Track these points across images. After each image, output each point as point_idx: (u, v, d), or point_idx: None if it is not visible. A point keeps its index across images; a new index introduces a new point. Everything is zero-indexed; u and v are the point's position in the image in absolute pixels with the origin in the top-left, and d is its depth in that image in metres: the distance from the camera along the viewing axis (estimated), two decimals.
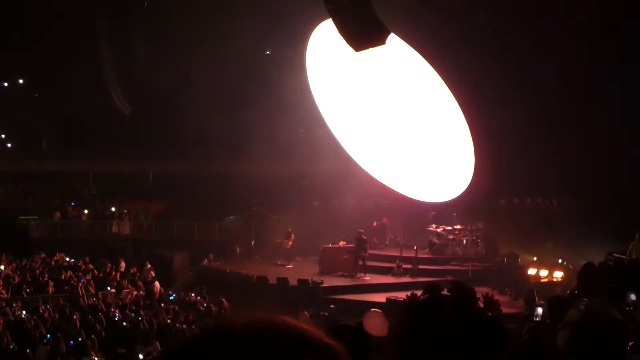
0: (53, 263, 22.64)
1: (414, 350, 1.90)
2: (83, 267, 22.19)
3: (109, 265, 22.73)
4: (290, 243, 23.81)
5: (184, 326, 14.76)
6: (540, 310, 14.35)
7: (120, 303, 17.65)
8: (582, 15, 17.19)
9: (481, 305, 2.15)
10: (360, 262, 21.00)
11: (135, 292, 19.86)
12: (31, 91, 29.63)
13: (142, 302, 18.00)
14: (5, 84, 30.65)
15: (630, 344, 3.47)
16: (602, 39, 17.47)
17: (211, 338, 1.08)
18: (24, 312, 15.44)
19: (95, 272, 21.80)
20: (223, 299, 17.77)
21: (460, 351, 1.89)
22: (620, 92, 18.24)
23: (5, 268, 21.20)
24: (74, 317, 14.53)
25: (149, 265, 22.97)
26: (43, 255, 23.35)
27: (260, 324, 1.08)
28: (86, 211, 29.36)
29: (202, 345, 1.07)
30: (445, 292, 2.11)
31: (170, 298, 18.95)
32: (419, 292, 2.05)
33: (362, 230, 21.53)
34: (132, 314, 15.54)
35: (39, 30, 24.93)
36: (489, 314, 2.11)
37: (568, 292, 10.99)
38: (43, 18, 24.53)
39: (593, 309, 5.78)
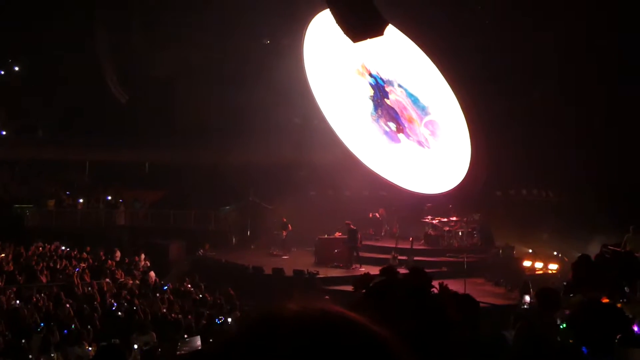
0: (48, 252, 22.59)
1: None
2: (78, 255, 22.16)
3: (102, 254, 22.66)
4: (284, 233, 23.82)
5: (180, 316, 14.75)
6: (527, 298, 14.47)
7: (116, 292, 17.62)
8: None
9: (436, 292, 2.24)
10: (354, 253, 21.05)
11: (130, 282, 19.83)
12: (27, 79, 29.46)
13: (137, 292, 17.97)
14: (2, 72, 30.51)
15: (618, 336, 3.50)
16: (602, 32, 17.44)
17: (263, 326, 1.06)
18: (17, 300, 15.42)
19: (91, 260, 21.76)
20: (230, 289, 17.72)
21: (409, 333, 1.93)
22: (618, 86, 18.22)
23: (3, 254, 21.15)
24: (68, 306, 14.51)
25: (144, 255, 22.96)
26: (40, 243, 23.29)
27: (312, 313, 1.08)
28: (81, 200, 29.29)
29: (259, 336, 1.04)
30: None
31: (164, 288, 18.93)
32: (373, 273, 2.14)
33: (349, 222, 21.54)
34: (127, 304, 15.52)
35: (35, 17, 24.76)
36: (442, 301, 2.20)
37: (565, 283, 11.04)
38: (40, 5, 24.36)
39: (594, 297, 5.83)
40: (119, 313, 14.74)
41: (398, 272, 2.18)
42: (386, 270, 2.16)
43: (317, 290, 18.02)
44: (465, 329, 3.47)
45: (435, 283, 2.30)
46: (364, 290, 2.12)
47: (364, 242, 22.13)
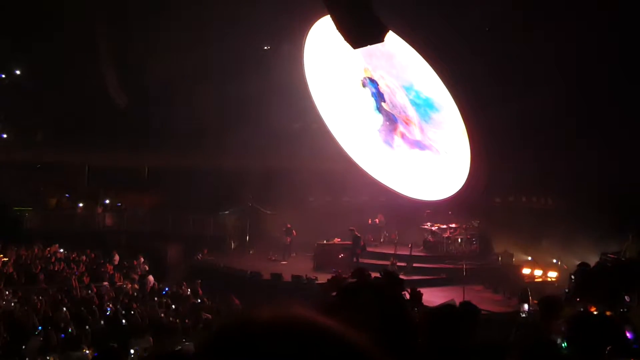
0: (47, 254, 22.57)
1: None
2: (77, 259, 22.14)
3: (100, 257, 22.64)
4: (289, 239, 23.81)
5: (177, 320, 14.72)
6: (526, 306, 14.44)
7: (114, 296, 17.59)
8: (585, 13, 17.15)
9: (407, 296, 2.29)
10: (355, 259, 21.05)
11: (129, 285, 19.81)
12: (27, 82, 29.46)
13: (135, 295, 17.95)
14: (2, 75, 30.50)
15: (607, 348, 3.50)
16: (603, 37, 17.44)
17: (234, 334, 1.07)
18: (13, 302, 15.39)
19: (89, 264, 21.74)
20: (232, 296, 17.67)
21: (374, 335, 1.99)
22: (621, 91, 18.21)
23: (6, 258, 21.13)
24: (65, 309, 14.47)
25: (143, 259, 22.94)
26: (38, 246, 23.28)
27: (284, 318, 1.10)
28: (81, 204, 29.28)
29: (227, 342, 1.07)
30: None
31: (164, 292, 18.89)
32: (346, 275, 2.20)
33: (353, 228, 21.61)
34: (125, 308, 15.49)
35: (35, 21, 24.78)
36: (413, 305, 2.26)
37: (567, 290, 11.00)
38: (40, 9, 24.38)
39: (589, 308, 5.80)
40: (117, 317, 14.70)
41: (369, 274, 2.22)
42: (357, 272, 2.20)
43: (315, 296, 17.99)
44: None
45: (408, 289, 2.34)
46: (334, 293, 2.15)
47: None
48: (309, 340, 1.05)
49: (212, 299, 17.91)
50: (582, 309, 5.59)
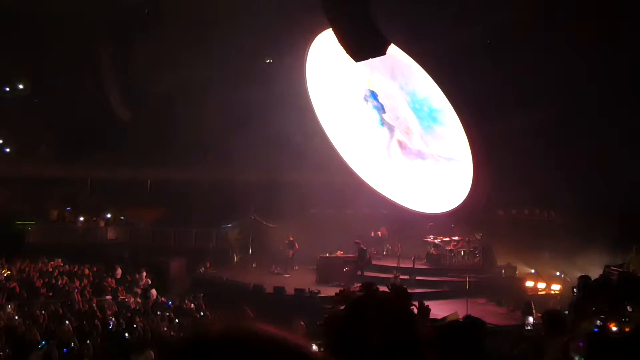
0: (50, 269, 22.55)
1: (346, 340, 2.05)
2: (79, 272, 22.11)
3: (102, 270, 22.62)
4: (291, 252, 23.77)
5: (182, 334, 14.66)
6: (531, 319, 14.37)
7: (116, 310, 17.56)
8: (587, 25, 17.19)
9: (415, 310, 2.31)
10: (359, 272, 21.00)
11: (131, 299, 19.78)
12: (30, 96, 29.57)
13: (138, 309, 17.91)
14: (6, 89, 30.62)
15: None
16: (605, 50, 17.48)
17: (188, 348, 1.11)
18: (17, 317, 15.36)
19: (92, 278, 21.71)
20: (246, 308, 17.60)
21: (381, 349, 2.02)
22: (626, 105, 18.21)
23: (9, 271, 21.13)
24: (68, 323, 14.44)
25: (145, 272, 22.91)
26: (41, 260, 23.26)
27: (234, 331, 1.12)
28: (82, 218, 29.30)
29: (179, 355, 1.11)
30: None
31: (169, 304, 18.86)
32: (355, 288, 2.22)
33: (359, 241, 21.63)
34: (128, 322, 15.45)
35: (39, 35, 24.90)
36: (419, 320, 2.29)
37: (573, 304, 10.94)
38: (43, 23, 24.50)
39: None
40: (119, 331, 14.66)
41: (377, 288, 2.24)
42: (365, 286, 2.22)
43: (318, 309, 17.92)
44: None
45: (416, 302, 2.36)
46: (342, 307, 2.16)
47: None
48: (261, 354, 1.07)
49: (214, 313, 17.85)
50: (599, 324, 5.56)
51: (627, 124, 17.73)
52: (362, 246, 21.58)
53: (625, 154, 17.98)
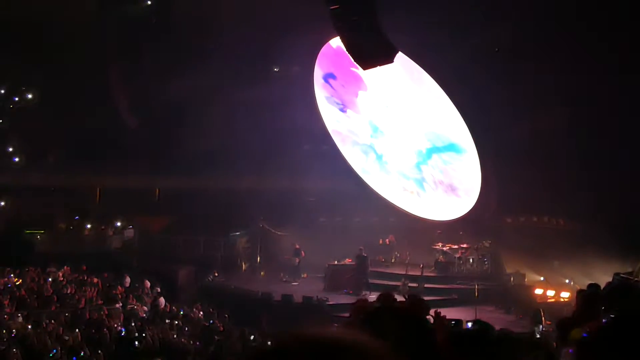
0: (60, 277, 22.61)
1: None
2: (88, 281, 22.16)
3: (111, 279, 22.66)
4: (298, 260, 23.76)
5: (191, 342, 14.71)
6: (540, 327, 14.29)
7: (125, 318, 17.59)
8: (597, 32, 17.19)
9: (431, 321, 2.32)
10: (364, 280, 20.98)
11: (141, 307, 19.81)
12: (39, 106, 29.75)
13: (147, 318, 17.95)
14: (15, 99, 30.81)
15: None
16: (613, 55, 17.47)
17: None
18: (29, 326, 15.41)
19: (100, 286, 21.76)
20: (263, 318, 17.62)
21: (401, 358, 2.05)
22: (631, 113, 18.17)
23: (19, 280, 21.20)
24: (78, 331, 14.49)
25: (154, 281, 22.93)
26: (51, 269, 23.33)
27: (325, 340, 1.11)
28: (89, 225, 29.40)
29: None
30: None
31: (180, 312, 18.90)
32: (370, 298, 2.22)
33: (362, 248, 21.60)
34: (137, 330, 15.49)
35: (47, 44, 25.08)
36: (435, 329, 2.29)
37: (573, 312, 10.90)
38: (52, 34, 24.69)
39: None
40: (129, 339, 14.70)
41: (395, 299, 2.25)
42: (382, 297, 2.23)
43: (326, 317, 17.93)
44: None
45: (432, 312, 2.36)
46: (361, 316, 2.17)
47: (373, 269, 22.10)
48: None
49: (222, 321, 17.86)
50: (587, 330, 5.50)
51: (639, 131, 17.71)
52: (363, 253, 21.55)
53: (637, 161, 17.94)
